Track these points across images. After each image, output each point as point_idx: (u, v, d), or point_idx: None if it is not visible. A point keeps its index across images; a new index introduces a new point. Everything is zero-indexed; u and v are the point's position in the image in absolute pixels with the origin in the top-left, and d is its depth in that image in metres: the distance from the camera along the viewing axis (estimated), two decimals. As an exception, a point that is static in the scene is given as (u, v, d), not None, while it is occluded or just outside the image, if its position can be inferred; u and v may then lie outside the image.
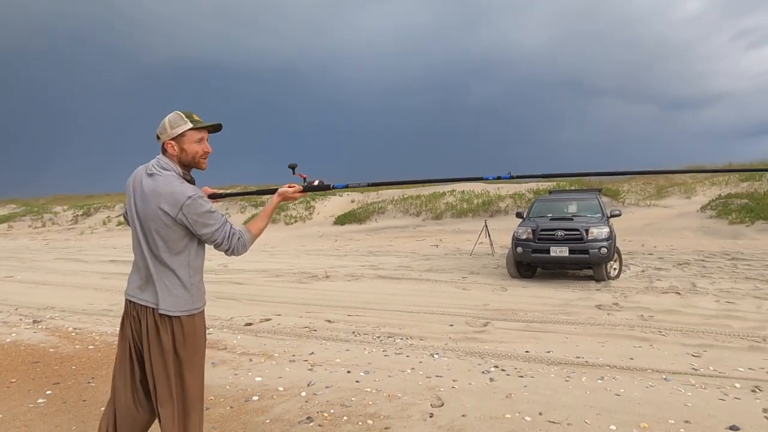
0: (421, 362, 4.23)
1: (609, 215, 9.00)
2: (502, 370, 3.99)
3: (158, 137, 2.09)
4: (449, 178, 3.25)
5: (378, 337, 5.07)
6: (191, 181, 2.13)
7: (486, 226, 13.65)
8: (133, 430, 2.15)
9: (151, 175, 2.03)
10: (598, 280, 8.18)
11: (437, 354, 4.45)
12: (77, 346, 4.98)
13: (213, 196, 2.61)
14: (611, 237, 8.16)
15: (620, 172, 3.41)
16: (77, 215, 30.72)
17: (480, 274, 9.49)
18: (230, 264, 11.93)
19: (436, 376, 3.87)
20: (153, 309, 2.02)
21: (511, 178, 2.36)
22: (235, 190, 31.21)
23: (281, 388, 3.69)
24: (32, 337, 5.38)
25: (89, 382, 3.92)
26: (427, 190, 24.93)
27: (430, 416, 3.12)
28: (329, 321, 5.85)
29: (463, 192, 23.51)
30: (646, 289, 7.39)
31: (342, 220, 22.93)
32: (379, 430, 2.95)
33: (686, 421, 2.97)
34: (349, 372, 4.02)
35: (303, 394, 3.57)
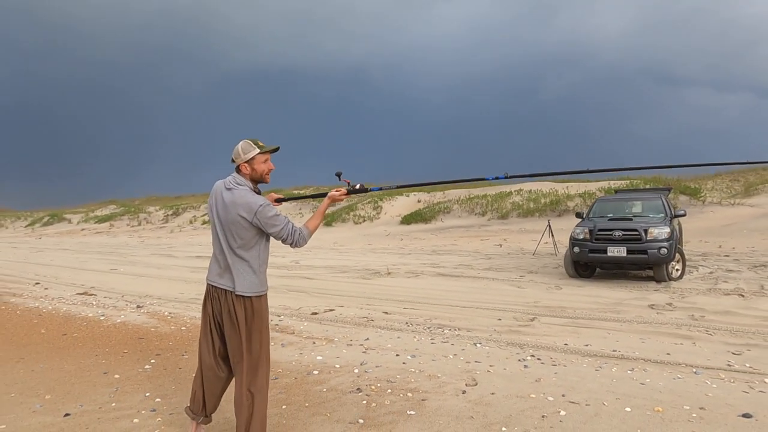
0: (463, 350, 4.66)
1: (673, 215, 8.85)
2: (538, 359, 4.33)
3: (233, 161, 2.71)
4: (455, 179, 3.47)
5: (428, 328, 5.55)
6: (258, 193, 2.74)
7: (549, 225, 13.63)
8: (217, 386, 2.82)
9: (229, 189, 2.65)
10: (658, 281, 8.12)
11: (480, 343, 4.85)
12: (172, 327, 5.88)
13: (278, 201, 3.23)
14: (672, 237, 8.06)
15: (655, 166, 3.66)
16: (167, 215, 33.60)
17: (538, 273, 9.65)
18: (301, 261, 12.85)
19: (475, 361, 4.29)
20: (231, 291, 2.63)
21: (506, 177, 2.75)
22: (309, 191, 32.74)
23: (338, 366, 4.28)
24: (137, 319, 6.38)
25: (183, 355, 4.73)
26: (493, 190, 24.88)
27: (463, 392, 3.57)
28: (386, 313, 6.40)
29: (530, 191, 23.26)
30: (707, 291, 7.28)
31: (408, 219, 23.47)
32: (416, 401, 3.45)
33: (701, 408, 3.20)
34: (397, 355, 4.54)
35: (356, 371, 4.13)
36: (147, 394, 3.74)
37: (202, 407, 2.83)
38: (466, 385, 3.73)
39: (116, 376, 4.18)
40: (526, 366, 4.13)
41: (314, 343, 5.06)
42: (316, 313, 6.47)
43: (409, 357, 4.47)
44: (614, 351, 4.50)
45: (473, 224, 21.45)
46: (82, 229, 34.18)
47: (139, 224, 33.43)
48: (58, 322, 6.34)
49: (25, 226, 39.60)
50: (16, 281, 10.44)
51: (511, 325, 5.58)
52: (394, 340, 5.08)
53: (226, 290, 2.65)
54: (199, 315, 6.47)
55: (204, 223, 29.44)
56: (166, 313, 6.67)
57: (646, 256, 7.95)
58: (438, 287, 8.35)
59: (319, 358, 4.53)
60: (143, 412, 3.42)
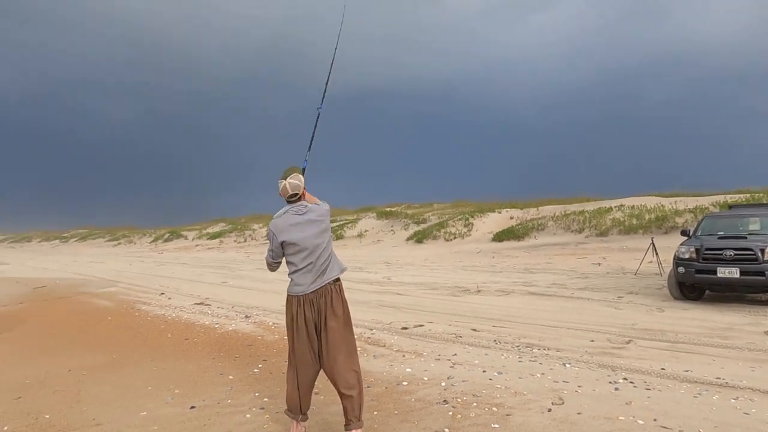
0: (551, 369, 4.66)
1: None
2: (630, 382, 4.22)
3: (296, 194, 3.25)
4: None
5: (516, 346, 5.57)
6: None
7: (653, 243, 12.81)
8: (312, 385, 3.28)
9: (305, 213, 3.23)
10: (779, 306, 7.38)
11: (569, 364, 4.81)
12: (276, 336, 6.45)
13: None
14: (796, 258, 7.29)
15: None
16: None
17: (639, 294, 9.16)
18: (393, 277, 13.24)
19: (563, 381, 4.28)
20: (332, 282, 3.20)
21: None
22: (401, 209, 33.36)
23: (426, 378, 4.49)
24: (245, 328, 7.06)
25: (285, 361, 5.20)
26: (591, 205, 23.74)
27: (548, 410, 3.61)
28: (474, 330, 6.50)
29: (632, 207, 21.90)
30: (840, 318, 6.51)
31: (500, 236, 23.11)
32: (501, 416, 3.56)
33: (813, 443, 2.98)
34: (484, 371, 4.65)
35: (443, 384, 4.32)
36: (256, 394, 4.21)
37: (300, 407, 3.27)
38: (552, 403, 3.76)
39: (230, 377, 4.73)
40: (617, 388, 4.06)
41: (404, 356, 5.32)
42: (406, 328, 6.73)
43: (495, 373, 4.57)
44: (718, 378, 4.26)
45: (569, 242, 20.61)
46: (196, 245, 37.62)
47: (245, 240, 36.09)
48: (181, 328, 7.20)
49: (150, 242, 44.36)
50: (145, 291, 11.89)
51: (604, 347, 5.44)
52: (482, 356, 5.19)
53: (325, 285, 3.20)
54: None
55: (302, 239, 31.09)
56: (270, 323, 7.30)
57: (763, 278, 7.28)
58: (528, 306, 8.25)
59: (408, 370, 4.78)
60: (253, 409, 3.88)
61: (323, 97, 3.91)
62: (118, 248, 44.05)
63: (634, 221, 20.46)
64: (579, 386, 4.14)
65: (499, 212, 26.83)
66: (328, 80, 4.00)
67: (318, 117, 3.82)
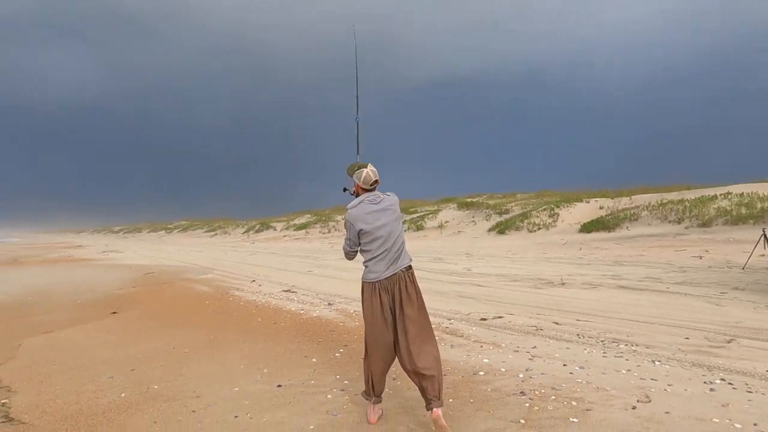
0: (639, 366, 4.43)
1: None
2: (729, 383, 3.91)
3: (377, 181, 3.45)
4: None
5: (602, 341, 5.34)
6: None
7: (765, 234, 11.58)
8: (386, 362, 3.42)
9: (379, 202, 3.39)
10: None
11: (659, 361, 4.54)
12: (356, 323, 6.69)
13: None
14: None
15: None
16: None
17: (746, 290, 8.35)
18: (473, 268, 13.11)
19: (651, 379, 4.06)
20: (405, 270, 3.33)
21: None
22: (482, 198, 32.80)
23: (503, 369, 4.46)
24: (328, 315, 7.38)
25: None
26: (692, 194, 21.87)
27: (633, 408, 3.46)
28: (556, 323, 6.31)
29: (741, 195, 19.87)
30: None
31: (588, 227, 22.00)
32: (580, 410, 3.47)
33: None
34: (564, 365, 4.52)
35: (520, 376, 4.26)
36: (337, 377, 4.43)
37: (374, 390, 3.45)
38: (637, 401, 3.60)
39: (314, 359, 5.00)
40: (712, 389, 3.79)
41: (482, 346, 5.30)
42: (485, 319, 6.68)
43: (577, 368, 4.43)
44: (836, 384, 3.82)
45: (666, 233, 19.16)
46: (284, 236, 39.53)
47: (329, 231, 37.35)
48: (270, 313, 7.68)
49: (242, 233, 47.27)
50: (238, 278, 12.76)
51: (701, 345, 5.06)
52: (563, 350, 5.04)
53: (398, 272, 3.32)
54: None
55: (383, 230, 31.58)
56: (351, 311, 7.57)
57: None
58: (617, 300, 7.83)
59: (485, 360, 4.77)
60: (335, 390, 4.09)
61: (357, 108, 4.18)
62: (214, 239, 47.42)
63: (744, 210, 18.58)
64: (669, 385, 3.91)
65: (587, 202, 25.51)
66: (357, 94, 4.28)
67: (357, 126, 4.09)
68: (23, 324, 7.35)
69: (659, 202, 22.14)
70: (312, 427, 3.40)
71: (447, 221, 29.47)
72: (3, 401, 4.05)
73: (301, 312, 7.64)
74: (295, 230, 41.35)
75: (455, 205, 32.10)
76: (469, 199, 32.76)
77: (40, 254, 27.55)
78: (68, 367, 4.98)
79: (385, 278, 3.31)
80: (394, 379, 4.23)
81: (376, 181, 3.44)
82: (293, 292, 9.87)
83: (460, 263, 14.39)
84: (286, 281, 11.71)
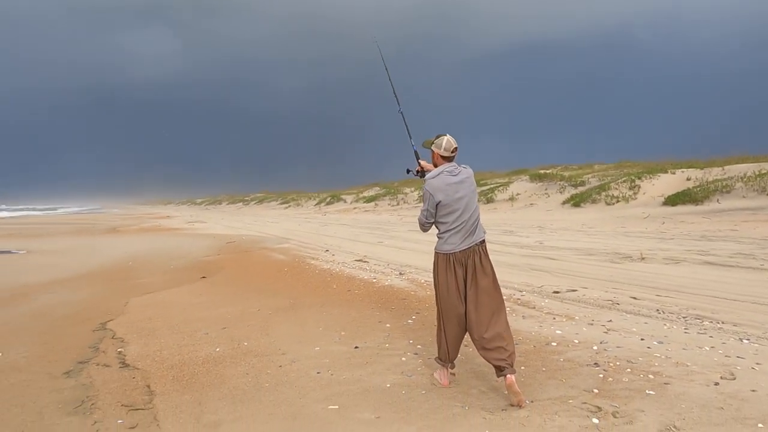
0: (724, 343, 4.24)
1: None
2: (827, 365, 3.68)
3: (456, 149, 3.48)
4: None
5: (683, 317, 5.14)
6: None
7: None
8: (459, 331, 3.50)
9: (458, 174, 3.44)
10: None
11: (747, 339, 4.33)
12: (428, 292, 6.85)
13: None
14: None
15: None
16: (421, 195, 36.93)
17: None
18: (545, 242, 12.83)
19: (737, 356, 3.90)
20: (479, 244, 3.40)
21: None
22: (557, 171, 31.60)
23: (576, 341, 4.45)
24: (399, 284, 7.60)
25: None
26: (797, 163, 19.81)
27: (715, 384, 3.36)
28: (634, 298, 6.12)
29: None
30: None
31: (673, 200, 20.62)
32: (657, 383, 3.42)
33: None
34: (642, 339, 4.43)
35: (594, 348, 4.24)
36: (411, 341, 4.62)
37: (448, 356, 3.55)
38: (720, 377, 3.48)
39: (387, 325, 5.23)
40: (807, 370, 3.58)
41: (554, 318, 5.29)
42: (557, 292, 6.61)
43: (655, 342, 4.32)
44: None
45: (764, 206, 17.59)
46: (354, 208, 40.37)
47: (398, 204, 37.66)
48: (344, 281, 8.03)
49: (314, 205, 48.78)
50: (312, 248, 13.33)
51: (798, 325, 4.74)
52: (641, 324, 4.92)
53: (474, 246, 3.39)
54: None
55: (452, 203, 31.34)
56: (422, 281, 7.74)
57: None
58: (702, 276, 7.42)
59: (558, 332, 4.77)
60: (408, 353, 4.29)
61: (397, 101, 4.21)
62: (288, 210, 49.36)
63: None
64: (757, 363, 3.73)
65: (673, 173, 23.85)
66: (393, 89, 4.31)
67: (403, 116, 4.11)
68: (128, 285, 8.20)
69: (757, 172, 20.28)
70: (388, 385, 3.61)
71: (518, 194, 28.75)
72: (119, 350, 4.62)
73: (374, 280, 7.91)
74: (364, 202, 42.07)
75: (527, 177, 31.16)
76: (542, 171, 31.65)
77: (134, 224, 30.09)
78: (169, 324, 5.55)
79: (460, 251, 3.37)
80: (465, 345, 4.34)
81: (455, 149, 3.46)
82: (365, 261, 10.19)
83: (531, 236, 14.10)
84: (358, 251, 12.08)
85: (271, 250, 13.10)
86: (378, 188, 46.63)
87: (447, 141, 3.44)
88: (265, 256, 11.84)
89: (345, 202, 45.49)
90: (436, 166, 3.55)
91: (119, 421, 3.13)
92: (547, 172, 30.99)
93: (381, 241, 14.64)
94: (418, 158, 3.91)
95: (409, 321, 5.36)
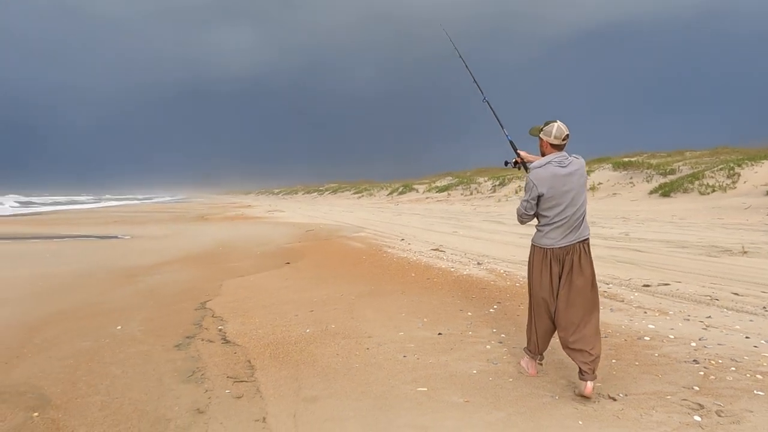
0: None
1: None
2: None
3: (568, 136, 3.25)
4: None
5: (795, 316, 4.74)
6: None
7: None
8: (549, 327, 3.40)
9: (567, 165, 3.22)
10: None
11: None
12: (508, 283, 6.78)
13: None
14: None
15: None
16: (495, 185, 36.21)
17: None
18: (631, 233, 12.19)
19: None
20: (582, 242, 3.22)
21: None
22: (640, 158, 29.73)
23: (672, 336, 4.25)
24: (478, 273, 7.57)
25: (519, 306, 5.50)
26: None
27: (836, 388, 3.10)
28: (736, 294, 5.71)
29: None
30: None
31: (779, 189, 18.74)
32: (767, 385, 3.20)
33: None
34: (747, 338, 4.15)
35: (693, 344, 4.03)
36: (494, 330, 4.63)
37: (538, 349, 3.49)
38: (842, 381, 3.20)
39: (469, 313, 5.26)
40: None
41: (645, 312, 5.06)
42: (648, 286, 6.30)
43: (763, 341, 4.03)
44: None
45: None
46: (426, 198, 40.34)
47: (471, 194, 37.16)
48: (422, 269, 8.12)
49: (386, 195, 49.27)
50: (388, 237, 13.54)
51: None
52: (745, 322, 4.60)
53: (575, 244, 3.22)
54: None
55: (528, 192, 30.42)
56: (501, 271, 7.67)
57: None
58: (817, 273, 6.75)
59: (650, 326, 4.57)
60: (492, 342, 4.30)
61: (480, 90, 4.12)
62: (361, 200, 50.24)
63: None
64: None
65: (780, 159, 21.64)
66: (474, 79, 4.25)
67: (489, 105, 4.01)
68: (220, 269, 8.80)
69: None
70: (475, 371, 3.66)
71: (600, 183, 27.36)
72: (219, 327, 5.02)
73: (452, 270, 7.94)
74: (437, 192, 41.90)
75: (610, 165, 29.55)
76: (626, 159, 29.89)
77: (220, 212, 32.01)
78: (261, 305, 5.93)
79: (559, 247, 3.19)
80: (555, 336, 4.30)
81: (567, 136, 3.22)
82: (441, 251, 10.22)
83: (615, 227, 13.44)
84: (433, 240, 12.13)
85: (349, 238, 13.47)
86: (450, 178, 46.23)
87: (557, 128, 3.20)
88: (344, 244, 12.20)
89: (417, 191, 45.54)
90: (543, 155, 3.33)
91: (226, 391, 3.43)
92: (632, 160, 29.22)
93: (456, 231, 14.58)
94: (515, 149, 3.76)
95: (491, 310, 5.35)
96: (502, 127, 3.90)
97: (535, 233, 3.36)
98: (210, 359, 4.08)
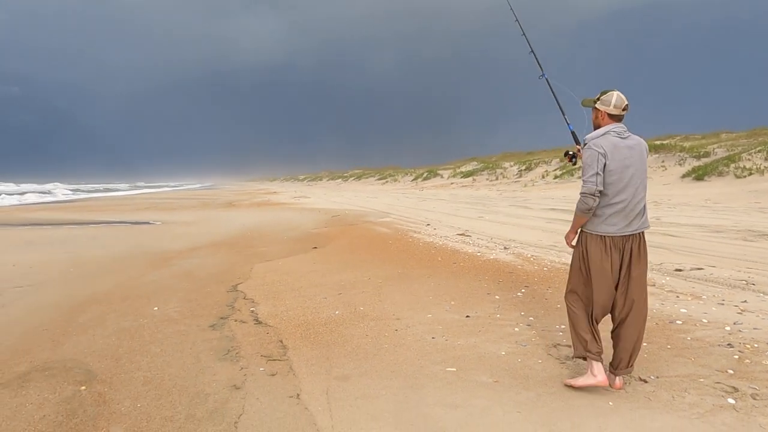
0: None
1: None
2: None
3: (628, 107, 2.92)
4: None
5: (836, 301, 4.60)
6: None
7: None
8: (601, 318, 3.09)
9: (627, 138, 2.90)
10: None
11: None
12: (535, 267, 6.75)
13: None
14: None
15: None
16: (521, 170, 35.73)
17: None
18: (663, 218, 11.93)
19: None
20: (641, 233, 2.93)
21: None
22: (672, 140, 28.86)
23: (705, 321, 4.18)
24: (505, 258, 7.55)
25: (547, 290, 5.49)
26: None
27: None
28: (773, 278, 5.56)
29: None
30: None
31: (822, 172, 18.00)
32: (805, 368, 3.14)
33: None
34: (785, 322, 4.05)
35: (727, 328, 3.96)
36: (522, 313, 4.64)
37: (597, 345, 3.02)
38: None
39: (496, 297, 5.27)
40: None
41: (678, 297, 4.99)
42: (680, 270, 6.19)
43: (801, 326, 3.94)
44: None
45: None
46: (451, 183, 40.10)
47: (497, 179, 36.78)
48: (448, 253, 8.13)
49: (411, 180, 49.16)
50: (413, 222, 13.56)
51: None
52: (782, 307, 4.49)
53: (635, 234, 2.93)
54: (557, 260, 7.15)
55: (556, 177, 30.04)
56: (528, 255, 7.63)
57: None
58: None
59: (683, 310, 4.51)
60: (521, 324, 4.32)
61: (539, 65, 3.84)
62: (385, 186, 50.25)
63: None
64: None
65: (823, 141, 20.73)
66: (532, 51, 3.97)
67: (548, 83, 3.73)
68: (250, 253, 8.99)
69: None
70: (503, 353, 3.69)
71: (630, 167, 26.75)
72: (251, 309, 5.16)
73: (478, 254, 7.93)
74: (462, 177, 41.60)
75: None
76: (657, 142, 29.07)
77: (247, 199, 32.52)
78: (290, 288, 6.05)
79: (622, 235, 2.87)
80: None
81: (627, 106, 2.90)
82: (467, 236, 10.20)
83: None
84: (459, 225, 12.10)
85: (374, 223, 13.54)
86: (476, 163, 45.81)
87: (617, 97, 2.88)
88: (369, 229, 12.28)
89: (442, 177, 45.29)
90: (597, 128, 2.98)
91: (261, 369, 3.54)
92: (664, 142, 28.41)
93: (482, 216, 14.50)
94: (577, 140, 3.40)
95: (519, 294, 5.35)
96: (563, 113, 3.55)
97: (590, 220, 2.94)
98: (244, 339, 4.21)
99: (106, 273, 7.42)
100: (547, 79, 3.75)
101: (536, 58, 3.91)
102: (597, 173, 2.82)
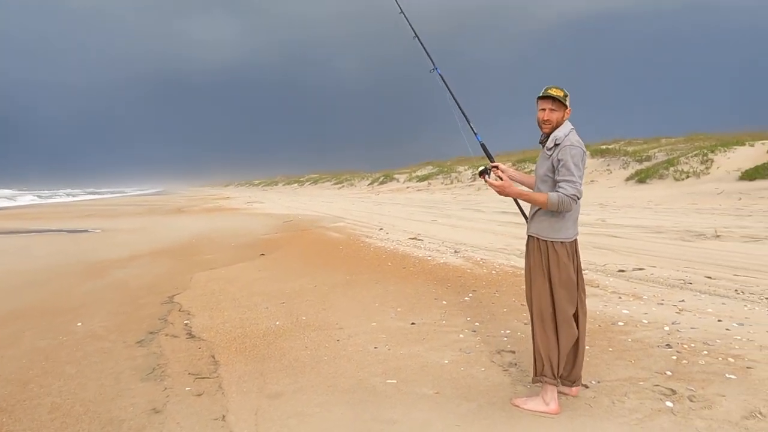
0: (816, 327, 3.89)
1: None
2: None
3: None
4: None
5: (767, 298, 4.76)
6: (542, 142, 2.80)
7: None
8: (576, 333, 2.77)
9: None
10: None
11: (843, 323, 3.94)
12: (484, 270, 6.71)
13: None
14: None
15: None
16: (475, 174, 36.24)
17: None
18: (608, 219, 12.27)
19: (832, 341, 3.55)
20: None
21: None
22: (616, 145, 30.02)
23: (645, 321, 4.21)
24: (455, 261, 7.49)
25: (495, 293, 5.43)
26: None
27: (807, 370, 3.08)
28: (709, 277, 5.72)
29: None
30: None
31: (752, 174, 19.09)
32: (739, 367, 3.17)
33: None
34: (719, 321, 4.13)
35: (666, 328, 4.00)
36: (468, 318, 4.54)
37: (559, 369, 2.75)
38: (813, 363, 3.19)
39: (444, 302, 5.17)
40: None
41: (620, 297, 5.04)
42: (623, 271, 6.29)
43: (734, 324, 4.02)
44: None
45: None
46: (407, 187, 40.25)
47: (451, 183, 37.18)
48: (398, 258, 8.01)
49: (367, 185, 49.05)
50: (366, 227, 13.40)
51: None
52: (717, 305, 4.59)
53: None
54: (506, 263, 7.15)
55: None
56: (478, 259, 7.60)
57: None
58: (788, 255, 6.83)
59: (624, 311, 4.53)
60: (466, 330, 4.21)
61: (431, 59, 3.42)
62: (342, 190, 49.94)
63: None
64: None
65: (751, 145, 22.06)
66: (422, 44, 3.61)
67: (442, 78, 3.30)
68: (193, 261, 8.56)
69: None
70: (447, 361, 3.56)
71: (578, 170, 27.63)
72: (185, 322, 4.83)
73: (429, 258, 7.85)
74: (417, 182, 41.83)
75: (588, 152, 29.86)
76: (603, 146, 30.18)
77: (198, 204, 31.44)
78: (231, 298, 5.75)
79: (573, 240, 2.77)
80: (525, 323, 4.23)
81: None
82: (419, 240, 10.13)
83: (593, 214, 13.52)
84: (412, 230, 12.03)
85: (327, 228, 13.29)
86: (431, 167, 46.18)
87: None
88: (321, 234, 12.03)
89: (398, 181, 45.40)
90: (558, 125, 2.73)
91: (186, 389, 3.27)
92: (609, 147, 29.53)
93: (435, 220, 14.51)
94: (488, 153, 3.17)
95: (466, 298, 5.27)
96: (459, 109, 3.20)
97: (550, 225, 2.72)
98: (173, 355, 3.90)
99: (31, 286, 6.86)
100: (440, 75, 3.34)
101: (424, 48, 3.53)
102: (582, 173, 2.64)
